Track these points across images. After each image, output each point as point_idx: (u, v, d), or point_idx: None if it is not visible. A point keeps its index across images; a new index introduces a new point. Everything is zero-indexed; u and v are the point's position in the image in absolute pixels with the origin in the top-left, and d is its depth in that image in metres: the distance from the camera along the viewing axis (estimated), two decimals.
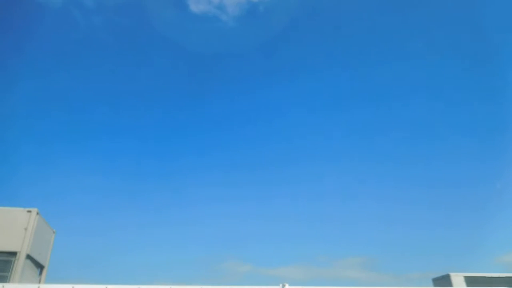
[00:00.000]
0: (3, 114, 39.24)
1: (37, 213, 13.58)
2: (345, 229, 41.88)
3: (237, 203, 48.55)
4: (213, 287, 13.91)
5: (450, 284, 12.48)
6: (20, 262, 12.58)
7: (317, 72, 51.51)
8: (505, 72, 39.74)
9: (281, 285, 10.83)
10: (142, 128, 50.84)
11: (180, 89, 52.80)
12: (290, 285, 10.82)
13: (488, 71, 43.76)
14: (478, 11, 43.69)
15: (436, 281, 13.51)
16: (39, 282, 14.50)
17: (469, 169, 43.56)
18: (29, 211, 13.43)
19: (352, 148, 48.97)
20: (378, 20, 49.21)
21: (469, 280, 12.39)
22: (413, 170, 45.81)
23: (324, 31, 50.83)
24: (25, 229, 13.08)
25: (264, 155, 50.47)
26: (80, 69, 47.93)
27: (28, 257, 13.05)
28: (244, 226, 44.75)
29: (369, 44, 49.99)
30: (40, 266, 14.69)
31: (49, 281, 14.91)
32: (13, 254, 12.65)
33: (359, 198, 45.43)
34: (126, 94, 50.83)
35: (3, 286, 10.10)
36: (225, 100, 53.00)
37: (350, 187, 47.79)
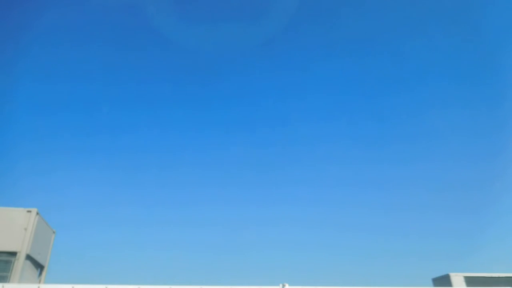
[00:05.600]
0: (3, 111, 39.17)
1: (37, 213, 13.58)
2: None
3: (240, 204, 48.42)
4: (213, 287, 13.89)
5: (450, 284, 12.49)
6: (20, 262, 12.58)
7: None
8: (506, 74, 39.58)
9: (281, 285, 10.83)
10: (141, 125, 50.68)
11: (180, 89, 52.69)
12: (290, 285, 10.83)
13: (487, 73, 43.67)
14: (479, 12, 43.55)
15: (436, 281, 13.53)
16: (39, 282, 14.50)
17: (469, 171, 43.45)
18: (29, 211, 13.43)
19: (348, 152, 48.83)
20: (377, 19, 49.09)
21: (469, 280, 12.40)
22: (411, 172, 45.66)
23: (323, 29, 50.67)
24: (25, 229, 13.08)
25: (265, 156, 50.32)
26: (79, 68, 47.74)
27: (28, 257, 13.05)
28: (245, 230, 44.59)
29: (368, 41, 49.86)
30: (40, 266, 14.70)
31: (49, 281, 14.93)
32: (13, 254, 12.65)
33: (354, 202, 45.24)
34: (125, 92, 50.70)
35: (3, 286, 10.10)
36: (224, 100, 52.86)
37: (348, 192, 47.68)
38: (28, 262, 13.19)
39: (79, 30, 46.13)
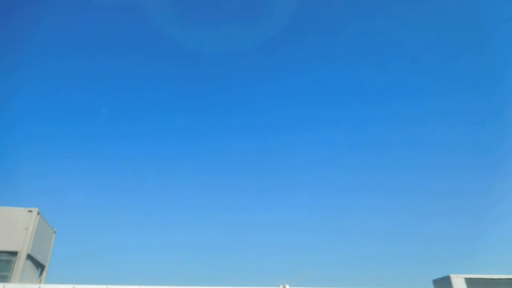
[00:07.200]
0: (4, 113, 39.28)
1: (38, 213, 13.60)
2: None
3: (241, 208, 48.41)
4: (213, 287, 13.90)
5: (450, 285, 12.46)
6: (21, 262, 12.60)
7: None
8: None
9: (281, 286, 10.83)
10: (141, 130, 50.76)
11: (180, 90, 52.77)
12: (290, 286, 10.82)
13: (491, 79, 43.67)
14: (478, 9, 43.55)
15: (436, 282, 13.49)
16: (40, 282, 14.51)
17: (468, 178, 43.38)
18: (30, 211, 13.45)
19: (348, 157, 48.75)
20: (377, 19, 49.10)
21: (469, 282, 12.37)
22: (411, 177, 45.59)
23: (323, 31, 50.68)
24: (26, 229, 13.10)
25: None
26: (80, 73, 47.85)
27: (29, 257, 13.06)
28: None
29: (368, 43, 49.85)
30: (40, 266, 14.70)
31: (49, 281, 14.93)
32: (14, 254, 12.66)
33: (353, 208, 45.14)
34: (125, 97, 50.81)
35: (3, 286, 10.13)
36: (224, 105, 52.90)
37: (345, 197, 47.59)
38: (29, 262, 13.20)
39: (79, 35, 46.20)
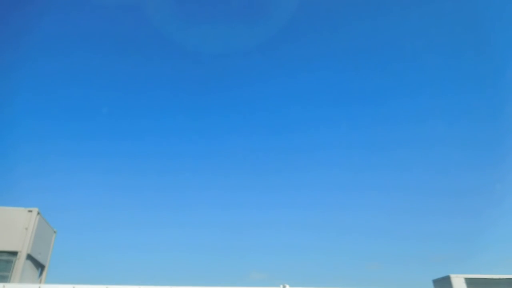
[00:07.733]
0: (4, 111, 39.29)
1: (38, 213, 13.60)
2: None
3: (241, 207, 48.45)
4: (213, 287, 13.89)
5: (450, 285, 12.46)
6: (21, 262, 12.59)
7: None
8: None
9: (281, 286, 10.81)
10: (142, 130, 50.76)
11: (179, 90, 52.75)
12: (290, 286, 10.80)
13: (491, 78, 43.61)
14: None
15: (436, 282, 13.49)
16: (40, 282, 14.51)
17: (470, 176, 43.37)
18: (30, 211, 13.44)
19: (348, 157, 48.82)
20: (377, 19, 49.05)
21: (469, 282, 12.36)
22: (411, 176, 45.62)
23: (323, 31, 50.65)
24: (26, 228, 13.09)
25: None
26: (80, 72, 47.85)
27: (29, 257, 13.06)
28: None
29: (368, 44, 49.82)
30: (40, 266, 14.71)
31: (49, 281, 14.93)
32: (14, 254, 12.66)
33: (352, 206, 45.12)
34: (126, 96, 50.82)
35: (3, 286, 10.13)
36: (225, 105, 52.92)
37: (344, 197, 47.61)
38: (29, 262, 13.20)
39: (79, 34, 46.32)
